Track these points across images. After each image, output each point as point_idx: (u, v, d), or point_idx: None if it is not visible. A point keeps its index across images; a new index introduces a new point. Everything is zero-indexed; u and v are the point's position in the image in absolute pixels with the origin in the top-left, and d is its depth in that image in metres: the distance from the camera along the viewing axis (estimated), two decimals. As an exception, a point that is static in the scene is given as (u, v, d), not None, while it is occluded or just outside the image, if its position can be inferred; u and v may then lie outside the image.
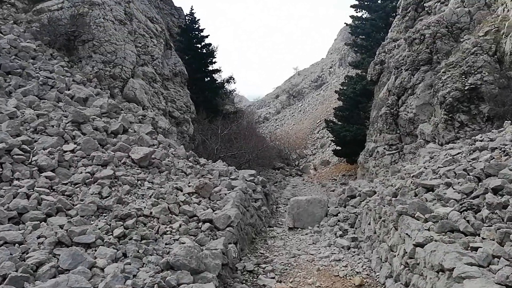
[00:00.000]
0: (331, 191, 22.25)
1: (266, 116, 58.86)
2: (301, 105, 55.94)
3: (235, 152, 20.14)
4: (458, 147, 13.04)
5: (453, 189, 8.15)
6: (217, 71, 30.85)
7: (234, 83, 31.98)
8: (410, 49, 19.28)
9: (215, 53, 30.94)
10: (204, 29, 30.26)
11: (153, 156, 12.00)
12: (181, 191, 10.65)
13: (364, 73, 26.84)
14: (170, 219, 9.11)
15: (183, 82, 21.93)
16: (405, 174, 12.47)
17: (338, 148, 28.29)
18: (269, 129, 52.41)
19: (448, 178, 9.01)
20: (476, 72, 15.52)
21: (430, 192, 8.97)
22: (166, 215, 9.12)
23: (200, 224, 9.29)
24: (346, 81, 28.59)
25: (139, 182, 10.57)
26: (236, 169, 15.23)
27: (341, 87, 28.67)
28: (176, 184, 10.92)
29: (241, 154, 21.08)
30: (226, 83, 31.75)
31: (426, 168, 11.51)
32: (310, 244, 10.99)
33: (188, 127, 19.36)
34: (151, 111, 17.37)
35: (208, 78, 30.03)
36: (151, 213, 9.06)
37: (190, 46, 29.73)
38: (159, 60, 19.56)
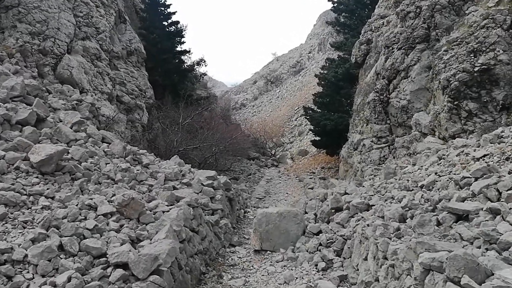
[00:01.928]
0: (309, 188, 18.88)
1: (243, 102, 55.17)
2: (279, 91, 52.38)
3: (199, 144, 16.52)
4: (474, 144, 9.73)
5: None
6: (186, 52, 27.02)
7: (205, 65, 28.33)
8: (403, 25, 15.84)
9: (183, 32, 27.11)
10: (171, 4, 26.33)
11: (65, 157, 8.33)
12: (95, 210, 7.04)
13: (347, 56, 23.35)
14: (58, 265, 5.52)
15: (139, 62, 18.09)
16: (408, 181, 9.08)
17: (318, 138, 24.89)
18: (245, 116, 48.81)
19: (492, 200, 5.64)
20: (488, 50, 12.18)
21: (464, 223, 5.59)
22: (51, 260, 5.53)
23: (109, 270, 5.73)
24: (327, 64, 25.07)
25: (30, 198, 6.91)
26: (191, 170, 11.66)
27: (321, 71, 25.18)
28: (91, 199, 7.30)
29: (207, 147, 17.48)
30: (196, 66, 27.92)
31: (440, 176, 8.13)
32: (281, 284, 7.53)
33: (141, 114, 15.64)
34: (91, 95, 13.58)
35: (176, 60, 26.11)
36: (25, 257, 5.47)
37: (156, 23, 25.76)
38: (106, 34, 15.68)
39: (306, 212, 13.77)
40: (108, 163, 9.26)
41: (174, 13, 26.45)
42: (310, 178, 22.09)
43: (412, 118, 14.49)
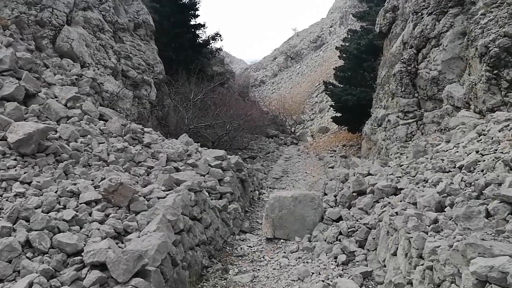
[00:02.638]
0: (329, 167, 17.66)
1: (263, 79, 53.65)
2: (299, 67, 50.63)
3: (211, 122, 15.39)
4: (520, 119, 8.32)
5: None
6: (200, 26, 25.69)
7: (221, 40, 27.00)
8: (434, -12, 14.18)
9: (198, 4, 25.71)
10: (183, -25, 24.88)
11: (52, 136, 7.33)
12: (78, 198, 6.03)
13: (370, 26, 21.70)
14: (20, 267, 4.55)
15: (148, 36, 16.94)
16: (443, 161, 7.78)
17: (339, 114, 23.46)
18: (265, 93, 47.43)
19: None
20: (534, 11, 10.60)
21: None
22: (12, 261, 4.56)
23: (84, 271, 4.73)
24: (349, 36, 23.41)
25: (2, 184, 5.93)
26: (198, 149, 10.58)
27: (343, 43, 23.55)
28: (74, 184, 6.29)
29: (221, 124, 16.36)
30: (211, 40, 26.57)
31: (483, 155, 6.82)
32: (294, 281, 6.44)
33: (149, 90, 14.56)
34: (93, 70, 12.55)
35: (190, 34, 24.84)
36: (-20, 256, 4.49)
37: (168, -5, 24.43)
38: (109, 3, 14.54)
39: (325, 194, 12.62)
40: (102, 143, 8.25)
41: (187, -16, 25.05)
42: (331, 157, 20.84)
43: (443, 91, 13.02)
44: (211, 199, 8.69)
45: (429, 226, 5.20)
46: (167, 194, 6.78)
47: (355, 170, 10.53)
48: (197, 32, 25.87)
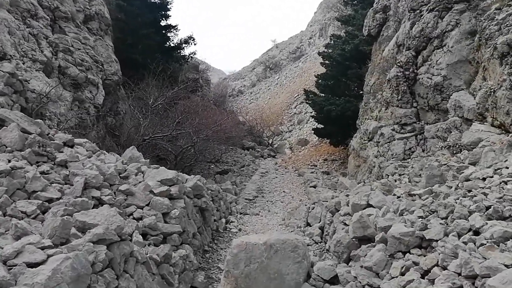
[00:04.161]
0: (310, 186, 14.85)
1: (241, 89, 50.87)
2: (278, 78, 48.04)
3: (170, 132, 12.38)
4: None
5: None
6: (172, 27, 22.77)
7: (195, 44, 23.90)
8: (436, -21, 11.66)
9: (169, 4, 22.81)
10: (154, -28, 22.00)
11: None
12: None
13: (355, 31, 19.16)
14: None
15: (102, 30, 13.94)
16: (487, 195, 5.03)
17: (320, 126, 20.75)
18: (242, 103, 44.62)
19: None
20: None
21: None
22: None
23: None
24: (332, 41, 20.83)
25: None
26: (141, 168, 7.58)
27: (325, 50, 20.95)
28: None
29: (186, 135, 13.38)
30: (184, 44, 23.62)
31: None
32: None
33: (94, 92, 11.51)
34: (16, 63, 9.47)
35: (159, 36, 21.85)
36: None
37: (135, -7, 21.47)
38: (48, -14, 11.51)
39: (308, 224, 9.82)
40: (-23, 162, 5.21)
41: (157, -18, 22.15)
42: (312, 173, 18.06)
43: (449, 99, 10.42)
44: (148, 245, 5.76)
45: None
46: (48, 257, 3.80)
47: (349, 198, 7.70)
48: (168, 34, 22.95)
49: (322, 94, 20.46)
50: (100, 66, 12.31)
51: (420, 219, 5.24)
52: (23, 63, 9.77)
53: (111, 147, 11.87)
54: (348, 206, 7.58)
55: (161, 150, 12.88)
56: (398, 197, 7.27)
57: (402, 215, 5.98)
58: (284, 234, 6.62)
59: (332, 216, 8.21)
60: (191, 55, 24.55)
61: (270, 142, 30.39)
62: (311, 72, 43.16)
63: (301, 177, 18.09)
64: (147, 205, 6.50)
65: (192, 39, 23.78)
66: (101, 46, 13.42)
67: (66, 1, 12.27)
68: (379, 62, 14.64)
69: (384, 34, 14.86)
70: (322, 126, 20.39)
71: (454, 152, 9.25)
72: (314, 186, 14.44)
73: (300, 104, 38.58)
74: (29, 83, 9.50)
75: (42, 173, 6.09)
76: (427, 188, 6.73)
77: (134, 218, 6.22)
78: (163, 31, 22.45)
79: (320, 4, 61.71)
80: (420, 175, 8.42)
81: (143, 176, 7.34)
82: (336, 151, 21.27)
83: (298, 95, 40.45)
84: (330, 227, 8.10)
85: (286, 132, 35.42)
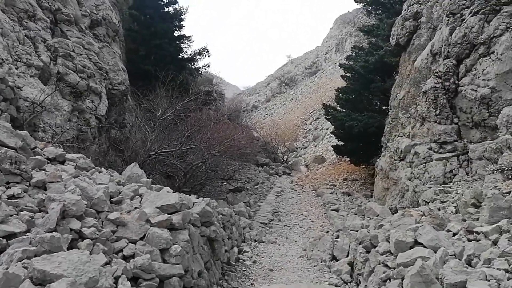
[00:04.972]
0: (332, 209, 13.35)
1: (255, 104, 49.73)
2: (293, 93, 46.80)
3: (178, 147, 11.08)
4: None
5: None
6: (185, 38, 21.73)
7: (209, 56, 22.87)
8: (479, -20, 10.28)
9: (183, 14, 21.82)
10: (167, -19, 21.07)
11: None
12: None
13: (379, 42, 17.82)
14: None
15: (110, 36, 12.87)
16: None
17: (340, 143, 19.27)
18: (257, 118, 43.35)
19: None
20: None
21: None
22: None
23: None
24: (354, 53, 19.50)
25: None
26: (139, 191, 6.25)
27: (347, 62, 19.61)
28: None
29: (194, 151, 12.07)
30: (197, 56, 22.54)
31: None
32: None
33: (97, 102, 10.31)
34: (9, 68, 8.32)
35: (172, 47, 20.78)
36: None
37: (148, 2, 20.55)
38: (50, -14, 10.44)
39: (334, 258, 8.35)
40: None
41: (171, -9, 21.20)
42: (331, 193, 16.56)
43: (500, 115, 8.93)
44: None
45: None
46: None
47: (389, 232, 6.21)
48: (181, 45, 21.90)
49: (342, 109, 19.06)
50: (105, 74, 11.14)
51: (508, 273, 3.77)
52: (16, 68, 8.63)
53: (114, 163, 10.61)
54: (389, 242, 6.12)
55: (170, 166, 11.58)
56: (454, 234, 5.80)
57: (470, 264, 4.51)
58: (315, 285, 5.17)
59: (367, 253, 6.74)
60: (205, 67, 23.50)
61: (285, 159, 28.98)
62: (327, 87, 41.89)
63: (319, 197, 16.60)
64: (142, 238, 5.14)
65: (206, 50, 22.70)
66: (108, 54, 12.31)
67: (70, 4, 11.21)
68: (409, 73, 13.23)
69: (414, 43, 13.47)
70: (343, 143, 18.90)
71: (510, 177, 7.73)
72: (336, 210, 12.93)
73: (315, 120, 37.19)
74: (21, 90, 8.36)
75: (11, 197, 4.82)
76: (494, 225, 5.25)
77: (123, 256, 4.86)
78: (177, 42, 21.40)
79: (336, 20, 60.90)
80: (473, 204, 6.92)
81: (141, 201, 6.01)
82: (357, 170, 19.75)
83: (313, 110, 39.11)
84: (364, 266, 6.63)
85: (301, 149, 33.99)
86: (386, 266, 5.72)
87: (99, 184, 6.01)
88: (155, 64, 19.30)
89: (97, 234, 4.72)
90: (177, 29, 21.65)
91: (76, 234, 4.65)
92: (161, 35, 20.19)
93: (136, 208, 5.72)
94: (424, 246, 5.52)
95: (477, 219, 6.34)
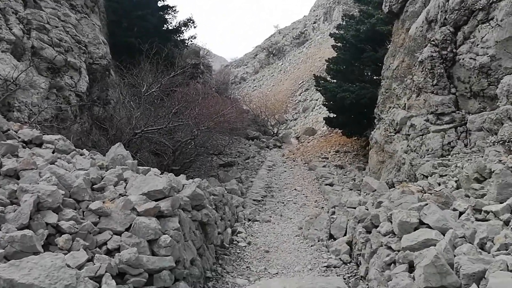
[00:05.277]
0: (326, 183, 13.05)
1: (243, 76, 48.85)
2: (282, 64, 45.97)
3: (165, 125, 10.53)
4: None
5: None
6: (169, 8, 20.74)
7: (195, 27, 21.94)
8: None
9: (166, -16, 20.75)
10: None
11: None
12: None
13: (370, 10, 17.16)
14: None
15: (88, 7, 12.02)
16: None
17: (332, 115, 18.84)
18: (245, 90, 42.59)
19: None
20: None
21: None
22: None
23: None
24: (344, 22, 18.80)
25: None
26: (123, 175, 5.76)
27: (337, 31, 18.92)
28: None
29: (182, 127, 11.54)
30: (183, 27, 21.61)
31: None
32: None
33: (76, 78, 9.65)
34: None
35: (156, 18, 19.83)
36: None
37: (129, -30, 19.42)
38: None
39: (332, 236, 8.06)
40: None
41: (153, -41, 20.05)
42: (324, 167, 16.25)
43: (500, 84, 8.52)
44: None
45: None
46: None
47: (394, 212, 5.84)
48: (166, 16, 20.92)
49: (333, 80, 18.54)
50: (84, 48, 10.43)
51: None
52: (-18, 42, 7.91)
53: (98, 142, 10.06)
54: (391, 222, 5.77)
55: (158, 144, 11.06)
56: (461, 213, 5.46)
57: (483, 248, 4.17)
58: (319, 279, 4.80)
59: (368, 233, 6.40)
60: (190, 38, 22.63)
61: (275, 132, 28.57)
62: (316, 57, 41.10)
63: (312, 171, 16.29)
64: (128, 229, 4.70)
65: (191, 21, 21.74)
66: (87, 26, 11.51)
67: (43, -28, 10.32)
68: (403, 42, 12.69)
69: (408, 10, 12.86)
70: (334, 115, 18.48)
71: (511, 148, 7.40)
72: (330, 184, 12.63)
73: (305, 91, 36.64)
74: (-10, 67, 7.67)
75: (-22, 188, 4.31)
76: (505, 204, 4.90)
77: (107, 250, 4.43)
78: (160, 12, 20.42)
79: (323, -12, 59.28)
80: (476, 179, 6.58)
81: (125, 187, 5.53)
82: (348, 142, 19.44)
83: (302, 81, 38.49)
84: (365, 246, 6.31)
85: (291, 121, 33.60)
86: (390, 248, 5.38)
87: (79, 169, 5.51)
88: (138, 36, 18.36)
89: (77, 228, 4.26)
90: (160, -2, 20.63)
91: (53, 228, 4.18)
92: (143, 6, 19.22)
93: (120, 195, 5.25)
94: (429, 227, 5.18)
95: (482, 195, 6.01)
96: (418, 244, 4.84)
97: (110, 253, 4.44)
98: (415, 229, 5.27)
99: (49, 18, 9.53)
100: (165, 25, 20.61)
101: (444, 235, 4.86)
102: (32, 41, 8.95)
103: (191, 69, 20.70)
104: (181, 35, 21.81)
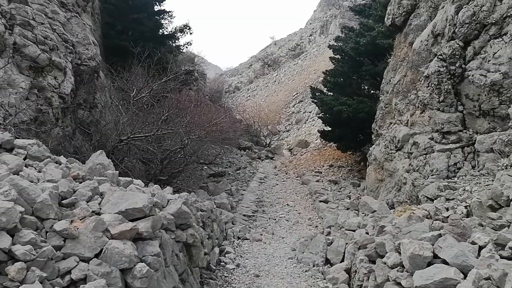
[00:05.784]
0: (320, 200, 12.35)
1: (237, 85, 48.26)
2: (276, 75, 45.49)
3: (153, 132, 9.79)
4: None
5: None
6: (165, 13, 20.10)
7: (190, 33, 21.30)
8: (491, -46, 9.15)
9: (163, -13, 20.12)
10: (146, -51, 19.28)
11: None
12: None
13: (370, 23, 16.66)
14: None
15: (80, 6, 11.32)
16: None
17: (328, 128, 18.21)
18: (239, 99, 42.01)
19: None
20: None
21: None
22: None
23: None
24: (343, 34, 18.28)
25: None
26: (98, 189, 5.01)
27: (335, 43, 18.40)
28: None
29: (172, 135, 10.79)
30: (179, 33, 20.94)
31: None
32: None
33: (60, 79, 8.90)
34: None
35: (152, 23, 19.14)
36: None
37: (125, -28, 18.77)
38: None
39: (328, 261, 7.34)
40: None
41: (151, -39, 19.45)
42: (317, 181, 15.57)
43: (512, 104, 7.95)
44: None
45: None
46: None
47: (403, 242, 5.15)
48: (162, 21, 20.25)
49: (330, 93, 17.95)
50: (71, 48, 9.69)
51: None
52: (-42, 35, 7.15)
53: (81, 148, 9.27)
54: (399, 253, 5.09)
55: (146, 152, 10.29)
56: (480, 247, 4.78)
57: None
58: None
59: (371, 263, 5.70)
60: (186, 45, 21.93)
61: (268, 143, 27.93)
62: (311, 70, 40.73)
63: (305, 185, 15.60)
64: (97, 255, 3.95)
65: (188, 27, 21.06)
66: (77, 25, 10.79)
67: (30, -35, 9.60)
68: (405, 56, 12.16)
69: (412, 24, 12.34)
70: (329, 128, 17.86)
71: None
72: (325, 201, 11.93)
73: (298, 103, 36.16)
74: (-39, 62, 6.90)
75: None
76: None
77: (71, 281, 3.68)
78: (156, 17, 19.77)
79: (319, 3, 59.32)
80: (491, 207, 5.93)
81: (101, 202, 4.78)
82: (342, 157, 18.81)
83: (297, 93, 38.04)
84: (368, 278, 5.60)
85: (284, 132, 33.00)
86: (399, 284, 4.69)
87: (48, 181, 4.75)
88: (133, 40, 17.68)
89: (34, 255, 3.50)
90: (157, 3, 20.00)
91: (4, 254, 3.43)
92: (139, 9, 18.58)
93: (94, 212, 4.50)
94: (445, 262, 4.50)
95: (501, 226, 5.37)
96: (434, 284, 4.18)
97: (74, 284, 3.70)
98: (429, 263, 4.60)
99: (35, 14, 8.79)
100: (160, 30, 19.92)
101: (463, 274, 4.19)
102: (15, 37, 8.19)
103: (185, 76, 19.99)
104: (176, 40, 21.17)
